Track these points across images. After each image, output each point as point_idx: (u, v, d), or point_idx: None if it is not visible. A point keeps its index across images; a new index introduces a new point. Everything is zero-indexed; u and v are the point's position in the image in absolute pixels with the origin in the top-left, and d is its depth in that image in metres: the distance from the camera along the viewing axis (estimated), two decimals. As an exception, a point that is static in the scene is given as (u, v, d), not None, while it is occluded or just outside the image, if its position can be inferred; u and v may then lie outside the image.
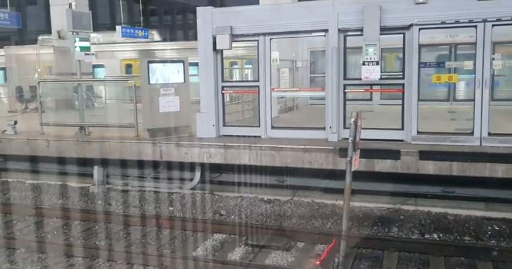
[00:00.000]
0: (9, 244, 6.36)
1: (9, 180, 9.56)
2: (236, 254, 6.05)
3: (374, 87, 8.52)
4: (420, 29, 7.41)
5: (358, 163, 5.31)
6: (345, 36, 7.93)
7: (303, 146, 7.52)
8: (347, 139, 5.14)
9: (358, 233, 6.46)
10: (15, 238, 6.54)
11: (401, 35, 7.65)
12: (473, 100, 7.34)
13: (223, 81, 8.71)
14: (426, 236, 6.42)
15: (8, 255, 6.09)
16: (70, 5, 11.38)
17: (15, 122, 9.75)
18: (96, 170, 8.88)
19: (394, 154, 7.12)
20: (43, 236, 6.82)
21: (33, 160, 9.50)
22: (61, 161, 9.25)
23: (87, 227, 7.11)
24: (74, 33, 9.88)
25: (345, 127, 7.87)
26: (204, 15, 8.52)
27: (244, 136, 8.41)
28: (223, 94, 8.70)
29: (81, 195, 8.58)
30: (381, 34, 7.53)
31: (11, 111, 14.01)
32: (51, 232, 6.99)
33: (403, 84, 7.68)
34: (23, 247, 6.29)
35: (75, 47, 9.96)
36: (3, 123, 9.83)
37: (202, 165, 8.49)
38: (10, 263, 5.77)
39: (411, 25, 7.45)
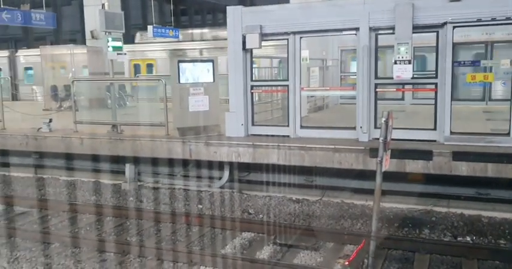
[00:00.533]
0: (45, 238, 6.55)
1: (44, 176, 9.85)
2: (264, 253, 6.05)
3: (406, 86, 8.36)
4: (454, 27, 7.24)
5: (388, 163, 5.24)
6: (376, 35, 7.82)
7: (332, 146, 7.46)
8: (378, 138, 5.07)
9: (388, 234, 6.37)
10: (50, 233, 6.73)
11: (435, 33, 7.49)
12: (510, 100, 7.12)
13: (252, 80, 8.73)
14: (459, 238, 6.27)
15: (43, 249, 6.27)
16: (103, 5, 11.63)
17: (50, 120, 10.03)
18: (128, 168, 9.05)
19: (426, 155, 6.99)
20: (76, 231, 7.00)
21: (67, 157, 9.76)
22: (94, 158, 9.46)
23: (119, 223, 7.26)
24: (107, 33, 10.09)
25: (375, 127, 7.77)
26: (234, 14, 8.56)
27: (273, 136, 8.41)
28: (252, 93, 8.72)
29: (113, 192, 8.76)
30: (413, 32, 7.40)
31: (46, 109, 14.41)
32: (84, 227, 7.17)
33: (436, 84, 7.52)
34: (57, 241, 6.47)
35: (108, 47, 10.18)
36: (39, 121, 10.12)
37: (230, 164, 8.53)
38: (45, 257, 5.94)
39: (445, 23, 7.28)
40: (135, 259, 5.93)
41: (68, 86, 13.80)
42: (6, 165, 10.60)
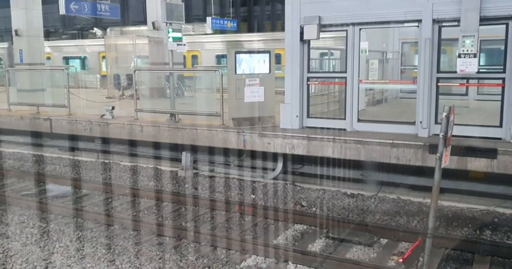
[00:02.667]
0: (106, 220, 6.88)
1: (106, 161, 10.32)
2: (316, 246, 6.04)
3: (470, 81, 7.99)
4: (527, 18, 6.83)
5: (448, 160, 5.06)
6: (439, 27, 7.52)
7: (390, 141, 7.28)
8: (438, 134, 4.90)
9: (446, 234, 6.17)
10: (110, 215, 7.05)
11: (504, 25, 7.09)
12: None
13: (309, 72, 8.66)
14: (523, 242, 5.97)
15: (104, 230, 6.59)
16: (165, -4, 11.90)
17: (113, 108, 10.45)
18: (184, 156, 9.31)
19: (491, 153, 6.66)
20: (135, 214, 7.29)
21: (128, 143, 10.17)
22: (153, 145, 9.80)
23: (175, 209, 7.49)
24: (167, 24, 10.35)
25: (436, 122, 7.50)
26: (293, 5, 8.51)
27: (328, 128, 8.32)
28: (308, 85, 8.66)
29: (170, 178, 9.04)
30: (480, 25, 7.05)
31: (109, 97, 15.03)
32: (143, 211, 7.45)
33: (503, 79, 7.13)
34: (117, 223, 6.77)
35: (168, 37, 10.45)
36: (102, 108, 10.58)
37: (284, 156, 8.55)
38: (105, 238, 6.24)
39: (516, 14, 6.88)
40: (190, 244, 6.11)
41: (130, 75, 14.32)
42: (72, 149, 11.22)
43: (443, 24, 7.47)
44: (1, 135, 12.27)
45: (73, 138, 10.84)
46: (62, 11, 14.30)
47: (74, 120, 10.40)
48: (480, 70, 7.38)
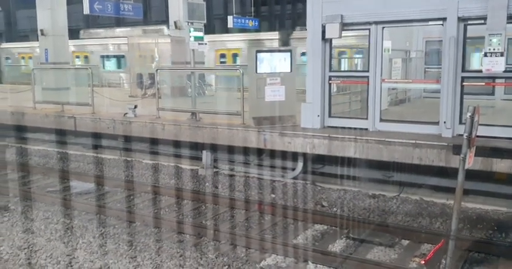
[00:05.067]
0: (128, 217, 6.97)
1: (128, 159, 10.45)
2: (337, 246, 6.00)
3: (497, 80, 7.81)
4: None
5: (472, 161, 4.96)
6: (465, 25, 7.37)
7: (413, 141, 7.18)
8: (462, 135, 4.81)
9: (470, 236, 6.05)
10: (132, 212, 7.14)
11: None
12: None
13: (331, 71, 8.60)
14: (551, 246, 5.81)
15: (126, 227, 6.68)
16: (187, -5, 11.96)
17: (135, 106, 10.57)
18: (205, 154, 9.35)
19: (517, 154, 6.51)
20: (156, 212, 7.36)
21: (150, 141, 10.27)
22: (174, 144, 9.87)
23: (195, 207, 7.53)
24: (189, 23, 10.40)
25: (460, 123, 7.35)
26: (314, 3, 8.45)
27: (349, 128, 8.25)
28: (330, 84, 8.60)
29: (190, 176, 9.10)
30: (508, 22, 6.88)
31: (132, 96, 15.20)
32: (164, 208, 7.52)
33: (532, 78, 6.96)
34: (138, 220, 6.85)
35: (190, 37, 10.50)
36: (125, 107, 10.72)
37: (304, 155, 8.51)
38: (127, 235, 6.32)
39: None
40: (210, 242, 6.13)
41: (152, 75, 14.45)
42: (95, 147, 11.40)
43: (469, 22, 7.32)
44: (27, 132, 12.54)
45: (96, 136, 11.00)
46: (86, 11, 14.52)
47: (98, 118, 10.56)
48: (508, 69, 7.20)
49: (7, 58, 28.88)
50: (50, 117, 11.35)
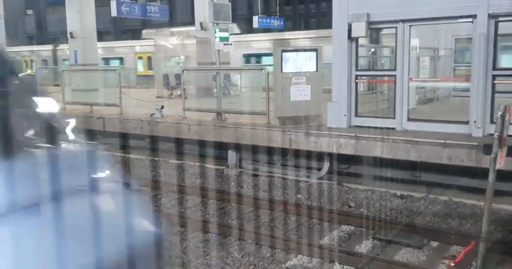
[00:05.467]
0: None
1: (155, 158, 10.58)
2: (364, 247, 5.94)
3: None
4: None
5: (503, 161, 4.84)
6: (496, 22, 7.18)
7: (442, 141, 7.04)
8: (493, 134, 4.70)
9: (502, 238, 5.89)
10: (159, 211, 7.22)
11: None
12: None
13: (357, 70, 8.51)
14: None
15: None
16: (212, -4, 12.05)
17: (162, 107, 10.69)
18: (230, 154, 9.39)
19: (551, 154, 6.30)
20: (182, 211, 7.44)
21: (176, 141, 10.37)
22: (200, 143, 9.94)
23: (221, 207, 7.58)
24: (214, 24, 10.47)
25: (491, 122, 7.17)
26: (340, 2, 8.38)
27: (376, 128, 8.14)
28: (356, 83, 8.51)
29: (216, 176, 9.16)
30: (541, 18, 6.69)
31: (159, 96, 15.38)
32: (190, 208, 7.59)
33: None
34: (165, 219, 6.92)
35: (215, 37, 10.57)
36: (152, 107, 10.86)
37: (330, 155, 8.44)
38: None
39: None
40: (235, 241, 6.16)
41: (178, 75, 14.59)
42: (123, 147, 11.58)
43: (500, 19, 7.13)
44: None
45: (124, 136, 11.18)
46: (114, 13, 14.78)
47: (126, 119, 10.74)
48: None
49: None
50: (80, 117, 11.60)
